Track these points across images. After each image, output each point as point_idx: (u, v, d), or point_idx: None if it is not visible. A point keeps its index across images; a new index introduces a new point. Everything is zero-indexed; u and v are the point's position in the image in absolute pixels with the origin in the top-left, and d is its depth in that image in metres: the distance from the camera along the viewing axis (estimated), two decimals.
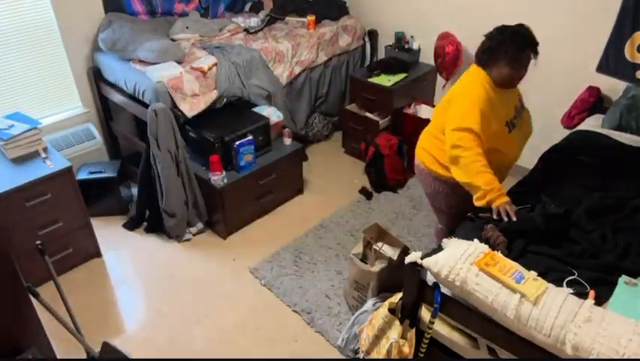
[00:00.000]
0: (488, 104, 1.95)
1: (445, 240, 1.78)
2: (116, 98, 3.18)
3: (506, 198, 1.88)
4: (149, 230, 3.05)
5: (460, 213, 2.10)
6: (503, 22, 3.18)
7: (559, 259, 1.77)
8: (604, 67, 2.87)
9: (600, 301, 1.54)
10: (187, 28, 3.40)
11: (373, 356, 1.99)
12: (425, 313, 1.79)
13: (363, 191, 3.38)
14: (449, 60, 3.31)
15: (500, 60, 1.94)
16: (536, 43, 1.92)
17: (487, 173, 1.89)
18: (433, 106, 3.57)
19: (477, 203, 1.91)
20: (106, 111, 3.41)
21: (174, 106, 2.84)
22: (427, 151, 2.22)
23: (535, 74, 3.18)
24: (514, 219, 1.82)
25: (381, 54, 4.01)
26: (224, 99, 3.08)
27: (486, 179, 1.88)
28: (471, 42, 3.32)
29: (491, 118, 1.97)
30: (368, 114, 3.65)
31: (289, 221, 3.15)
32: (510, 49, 1.91)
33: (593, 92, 2.90)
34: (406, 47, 3.77)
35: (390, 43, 3.86)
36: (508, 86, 2.03)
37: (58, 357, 1.92)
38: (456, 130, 1.93)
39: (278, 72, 3.41)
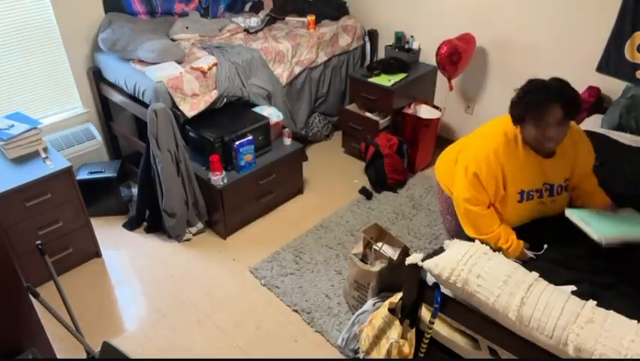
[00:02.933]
0: (497, 165, 1.78)
1: (446, 241, 1.78)
2: (116, 98, 3.18)
3: (520, 247, 1.81)
4: (149, 230, 3.05)
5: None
6: (503, 23, 3.21)
7: (559, 260, 1.77)
8: (604, 67, 2.87)
9: (602, 302, 1.54)
10: (187, 28, 3.40)
11: (373, 356, 1.99)
12: (425, 314, 1.79)
13: (363, 191, 3.38)
14: (444, 60, 3.30)
15: (524, 117, 1.73)
16: (565, 99, 1.64)
17: (495, 230, 1.83)
18: (434, 106, 3.58)
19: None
20: (106, 111, 3.40)
21: (174, 106, 2.84)
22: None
23: (535, 74, 3.19)
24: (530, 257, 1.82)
25: (381, 54, 4.01)
26: (224, 99, 3.07)
27: (495, 237, 1.82)
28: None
29: (503, 179, 1.81)
30: (368, 114, 3.65)
31: (289, 221, 3.15)
32: (530, 103, 1.69)
33: (593, 92, 2.90)
34: (406, 47, 3.77)
35: (390, 43, 3.86)
36: (538, 149, 1.78)
37: (58, 357, 1.92)
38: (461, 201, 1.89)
39: (278, 72, 3.41)
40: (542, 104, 1.65)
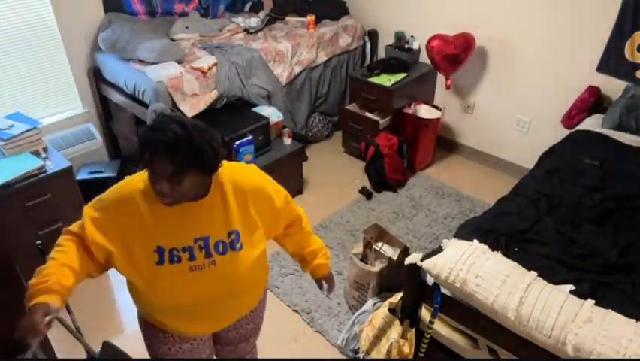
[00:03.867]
0: (118, 212, 1.34)
1: (444, 240, 1.78)
2: (116, 98, 3.18)
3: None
4: None
5: None
6: (503, 23, 3.21)
7: (558, 259, 1.77)
8: (604, 67, 2.87)
9: (600, 301, 1.54)
10: (187, 28, 3.40)
11: (373, 356, 1.99)
12: (425, 314, 1.79)
13: (363, 191, 3.38)
14: (439, 58, 3.31)
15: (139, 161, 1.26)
16: (175, 152, 1.17)
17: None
18: (434, 106, 3.58)
19: None
20: (106, 111, 3.40)
21: (174, 106, 2.84)
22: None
23: (535, 74, 3.21)
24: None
25: (381, 54, 4.01)
26: (224, 99, 3.07)
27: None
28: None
29: (130, 236, 1.31)
30: (368, 114, 3.64)
31: None
32: (140, 146, 1.22)
33: (593, 92, 2.90)
34: (406, 46, 3.76)
35: (390, 43, 3.86)
36: (160, 199, 1.26)
37: (59, 357, 1.92)
38: None
39: (278, 72, 3.41)
40: (148, 151, 1.19)
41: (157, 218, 1.30)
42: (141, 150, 1.20)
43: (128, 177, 1.37)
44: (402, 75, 3.53)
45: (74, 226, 1.41)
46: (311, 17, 3.72)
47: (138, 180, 1.33)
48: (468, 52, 3.26)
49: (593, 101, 2.89)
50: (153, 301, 1.39)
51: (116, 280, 2.72)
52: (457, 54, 3.24)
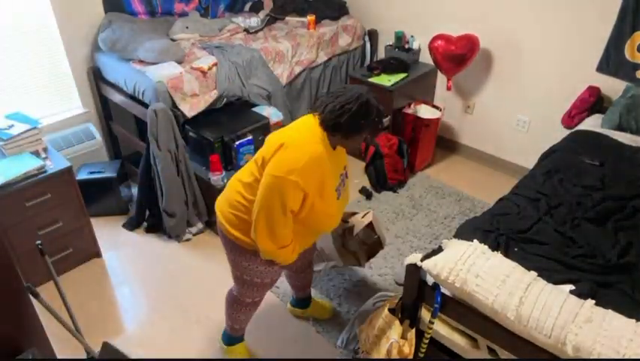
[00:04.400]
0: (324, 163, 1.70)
1: (444, 240, 1.78)
2: (116, 98, 3.18)
3: None
4: (149, 230, 3.05)
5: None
6: (503, 23, 3.21)
7: (558, 259, 1.77)
8: (604, 67, 2.87)
9: (600, 301, 1.54)
10: (187, 28, 3.40)
11: (373, 356, 1.99)
12: (425, 314, 1.79)
13: (363, 191, 3.38)
14: (441, 58, 3.32)
15: (362, 131, 1.77)
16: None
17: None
18: (434, 106, 3.58)
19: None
20: (106, 111, 3.41)
21: (174, 106, 2.83)
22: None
23: (535, 74, 3.21)
24: None
25: (381, 54, 4.01)
26: (224, 99, 3.07)
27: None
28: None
29: (325, 180, 1.70)
30: None
31: None
32: (376, 122, 1.78)
33: (593, 92, 2.90)
34: (406, 46, 3.76)
35: (390, 43, 3.86)
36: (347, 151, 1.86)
37: (58, 357, 1.92)
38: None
39: (278, 72, 3.40)
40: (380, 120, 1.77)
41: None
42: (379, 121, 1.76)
43: None
44: (402, 75, 3.53)
45: None
46: (311, 17, 3.72)
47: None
48: (471, 53, 3.26)
49: (593, 101, 2.89)
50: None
51: (116, 280, 2.72)
52: (460, 55, 3.24)
